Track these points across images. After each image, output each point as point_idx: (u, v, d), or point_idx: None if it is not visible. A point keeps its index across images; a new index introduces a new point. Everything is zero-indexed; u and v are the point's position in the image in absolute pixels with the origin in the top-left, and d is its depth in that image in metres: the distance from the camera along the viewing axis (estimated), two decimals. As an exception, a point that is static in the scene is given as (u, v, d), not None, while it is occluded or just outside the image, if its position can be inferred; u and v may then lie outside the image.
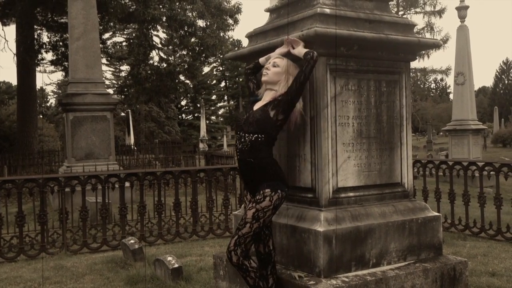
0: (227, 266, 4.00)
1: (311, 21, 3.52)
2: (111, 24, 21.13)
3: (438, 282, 3.64)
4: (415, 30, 4.00)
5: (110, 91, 26.98)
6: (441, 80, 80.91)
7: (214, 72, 61.91)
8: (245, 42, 4.22)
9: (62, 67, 21.17)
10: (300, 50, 3.40)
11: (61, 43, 19.93)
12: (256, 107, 3.39)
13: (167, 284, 4.51)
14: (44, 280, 4.93)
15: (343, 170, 3.57)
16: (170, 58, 28.96)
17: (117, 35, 28.92)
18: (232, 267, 3.86)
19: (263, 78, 3.42)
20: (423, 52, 33.78)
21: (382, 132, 3.75)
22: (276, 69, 3.37)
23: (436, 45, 4.29)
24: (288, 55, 3.47)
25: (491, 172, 6.62)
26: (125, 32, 27.96)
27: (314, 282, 3.27)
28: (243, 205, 3.50)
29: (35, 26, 19.40)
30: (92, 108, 11.05)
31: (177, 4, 19.44)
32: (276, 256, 3.68)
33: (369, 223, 3.53)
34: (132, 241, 5.41)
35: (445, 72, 41.37)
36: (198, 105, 48.02)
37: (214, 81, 62.97)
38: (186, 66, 23.73)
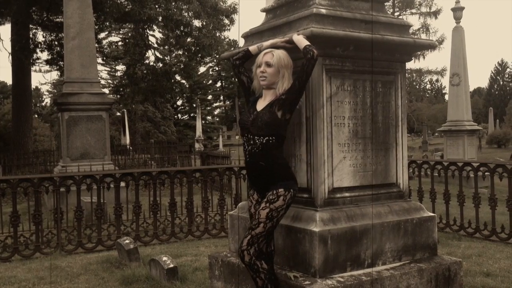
0: (222, 266, 4.00)
1: (307, 22, 3.52)
2: (107, 23, 21.07)
3: (433, 282, 3.65)
4: (410, 31, 4.01)
5: (106, 90, 26.95)
6: (437, 81, 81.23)
7: (210, 72, 61.91)
8: (241, 42, 4.22)
9: (58, 67, 21.11)
10: (300, 40, 3.33)
11: (56, 43, 19.87)
12: (260, 106, 3.31)
13: (162, 284, 4.50)
14: (38, 280, 4.91)
15: (339, 170, 3.58)
16: (166, 58, 28.95)
17: (113, 34, 28.87)
18: (228, 267, 3.87)
19: (263, 83, 3.31)
20: (419, 53, 33.88)
21: (378, 133, 3.76)
22: (271, 69, 3.28)
23: (431, 46, 4.30)
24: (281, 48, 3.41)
25: (486, 173, 6.64)
26: (121, 32, 27.91)
27: (309, 282, 3.27)
28: (247, 204, 3.45)
29: (30, 26, 19.33)
30: (87, 107, 11.01)
31: (173, 4, 19.43)
32: (272, 256, 3.68)
33: (364, 224, 3.53)
34: (127, 241, 5.39)
35: (441, 73, 41.50)
36: (194, 105, 48.02)
37: (210, 81, 62.95)
38: (182, 66, 23.74)
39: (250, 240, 3.13)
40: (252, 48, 3.58)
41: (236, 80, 3.72)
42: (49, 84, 50.90)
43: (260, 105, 3.33)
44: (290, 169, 3.34)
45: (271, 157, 3.21)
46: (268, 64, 3.29)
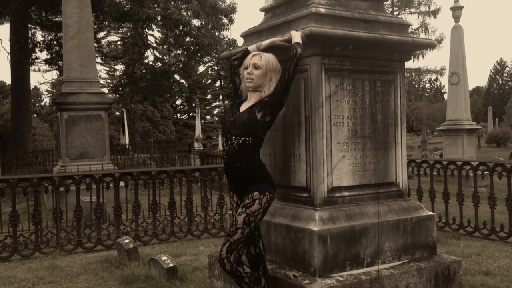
0: (222, 266, 4.00)
1: (306, 21, 3.52)
2: (106, 23, 21.06)
3: (432, 281, 3.66)
4: (409, 30, 4.02)
5: (105, 90, 26.93)
6: (436, 80, 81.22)
7: (209, 72, 61.85)
8: (240, 42, 4.22)
9: (57, 66, 21.08)
10: (294, 36, 3.32)
11: (55, 42, 19.84)
12: (243, 108, 3.29)
13: (162, 283, 4.50)
14: (38, 279, 4.91)
15: (338, 169, 3.58)
16: (165, 58, 28.96)
17: (112, 34, 28.83)
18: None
19: (249, 84, 3.27)
20: (418, 52, 33.89)
21: (377, 132, 3.76)
22: (259, 71, 3.24)
23: (430, 45, 4.30)
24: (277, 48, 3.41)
25: (485, 172, 6.65)
26: (119, 31, 27.89)
27: (308, 281, 3.27)
28: (230, 206, 3.45)
29: (29, 25, 19.30)
30: (86, 107, 11.01)
31: (172, 3, 19.42)
32: (271, 255, 3.68)
33: (363, 223, 3.54)
34: (126, 241, 5.40)
35: (440, 72, 41.53)
36: (193, 105, 47.98)
37: (209, 81, 62.89)
38: (181, 66, 23.71)
39: (229, 247, 3.09)
40: (251, 48, 3.56)
41: (230, 79, 3.71)
42: (48, 84, 50.83)
43: (244, 106, 3.30)
44: (266, 172, 3.28)
45: (247, 158, 3.17)
46: (256, 66, 3.25)
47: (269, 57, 3.30)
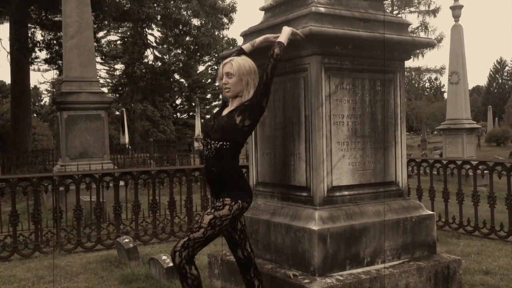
0: (222, 265, 4.00)
1: (305, 20, 3.52)
2: (106, 22, 21.04)
3: (432, 280, 3.66)
4: (409, 29, 4.01)
5: (105, 89, 26.90)
6: (436, 79, 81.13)
7: (209, 71, 61.83)
8: (240, 41, 4.22)
9: (56, 66, 21.06)
10: (283, 33, 3.26)
11: (55, 42, 19.83)
12: (225, 113, 3.22)
13: (162, 283, 4.50)
14: (38, 279, 4.91)
15: (338, 168, 3.58)
16: (165, 57, 28.95)
17: (112, 33, 28.85)
18: (227, 266, 3.87)
19: (227, 94, 3.20)
20: (418, 51, 33.87)
21: (377, 131, 3.76)
22: (233, 79, 3.15)
23: (430, 44, 4.31)
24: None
25: (485, 171, 6.65)
26: (119, 31, 27.90)
27: (308, 280, 3.27)
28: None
29: (29, 25, 19.29)
30: (86, 106, 11.00)
31: (172, 2, 19.40)
32: (271, 254, 3.68)
33: (363, 222, 3.54)
34: (126, 240, 5.40)
35: (439, 71, 41.57)
36: (193, 104, 47.97)
37: (209, 80, 62.88)
38: (181, 65, 23.71)
39: (186, 242, 2.98)
40: (246, 46, 3.52)
41: None
42: (48, 83, 50.83)
43: (226, 111, 3.23)
44: (242, 179, 3.16)
45: (223, 163, 3.09)
46: (229, 75, 3.16)
47: (240, 61, 3.19)
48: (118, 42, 28.35)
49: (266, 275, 3.51)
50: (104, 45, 25.31)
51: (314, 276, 3.32)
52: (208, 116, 61.71)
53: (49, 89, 53.29)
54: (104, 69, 43.44)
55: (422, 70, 43.40)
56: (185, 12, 19.51)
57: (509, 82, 79.84)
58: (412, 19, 39.30)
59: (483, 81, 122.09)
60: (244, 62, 3.19)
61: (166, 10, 18.79)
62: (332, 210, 3.49)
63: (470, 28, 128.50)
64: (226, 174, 3.10)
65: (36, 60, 21.14)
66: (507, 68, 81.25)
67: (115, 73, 41.78)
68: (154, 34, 36.12)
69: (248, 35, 4.08)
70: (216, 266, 4.03)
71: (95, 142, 11.03)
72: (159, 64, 23.77)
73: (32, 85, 31.00)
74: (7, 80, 39.21)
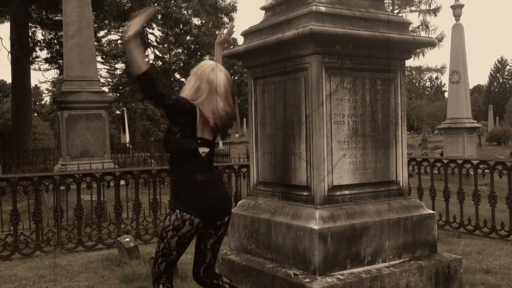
0: (222, 264, 4.01)
1: (306, 19, 3.52)
2: (106, 21, 21.05)
3: (432, 279, 3.66)
4: (410, 28, 4.01)
5: (105, 89, 26.89)
6: (436, 78, 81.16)
7: (210, 70, 61.79)
8: (240, 40, 4.22)
9: (57, 65, 21.06)
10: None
11: (55, 41, 19.83)
12: None
13: (163, 282, 4.50)
14: (39, 278, 4.91)
15: (338, 168, 3.58)
16: (166, 56, 28.93)
17: (112, 33, 28.85)
18: (228, 265, 3.88)
19: None
20: (418, 50, 33.84)
21: (377, 130, 3.76)
22: None
23: (431, 44, 4.31)
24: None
25: (486, 170, 6.65)
26: (120, 30, 27.86)
27: (309, 279, 3.28)
28: None
29: (30, 24, 19.30)
30: (87, 106, 11.00)
31: (172, 2, 19.41)
32: (272, 254, 3.69)
33: (364, 221, 3.54)
34: (127, 239, 5.40)
35: (440, 70, 41.52)
36: (194, 103, 47.84)
37: (210, 79, 62.87)
38: (181, 64, 23.73)
39: (153, 258, 2.91)
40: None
41: None
42: (49, 83, 50.84)
43: None
44: (181, 188, 2.81)
45: (172, 172, 2.93)
46: None
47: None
48: (119, 41, 28.35)
49: (266, 275, 3.51)
50: (104, 45, 25.35)
51: (315, 275, 3.32)
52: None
53: (50, 88, 53.32)
54: (104, 68, 43.42)
55: (423, 69, 43.38)
56: (185, 12, 19.52)
57: (510, 81, 79.79)
58: (413, 18, 39.41)
59: (484, 80, 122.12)
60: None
61: (166, 10, 18.80)
62: (333, 209, 3.49)
63: (470, 27, 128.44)
64: (173, 182, 2.94)
65: (36, 59, 21.17)
66: (508, 67, 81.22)
67: (116, 73, 41.78)
68: (154, 33, 36.11)
69: (248, 34, 4.09)
70: (216, 265, 4.03)
71: (95, 142, 11.04)
72: (160, 63, 23.82)
73: (32, 85, 31.05)
74: (8, 79, 39.22)
